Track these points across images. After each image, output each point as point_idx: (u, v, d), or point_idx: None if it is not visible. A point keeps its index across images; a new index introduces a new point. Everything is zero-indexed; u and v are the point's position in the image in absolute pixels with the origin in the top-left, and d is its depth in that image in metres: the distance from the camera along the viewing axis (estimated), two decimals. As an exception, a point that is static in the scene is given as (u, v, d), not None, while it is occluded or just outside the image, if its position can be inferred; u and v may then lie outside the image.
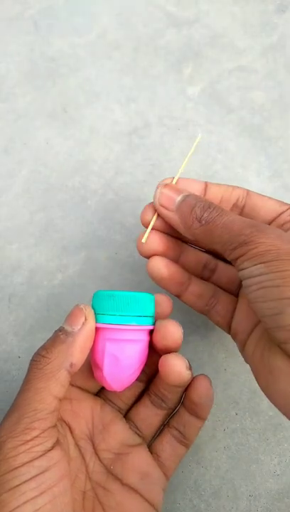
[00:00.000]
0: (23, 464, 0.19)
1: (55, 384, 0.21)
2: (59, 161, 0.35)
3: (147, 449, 0.25)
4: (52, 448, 0.20)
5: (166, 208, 0.24)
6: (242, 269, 0.20)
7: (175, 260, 0.27)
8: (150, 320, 0.23)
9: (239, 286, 0.27)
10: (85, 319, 0.22)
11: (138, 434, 0.25)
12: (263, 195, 0.26)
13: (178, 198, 0.24)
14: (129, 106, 0.37)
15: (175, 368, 0.23)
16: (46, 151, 0.35)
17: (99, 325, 0.22)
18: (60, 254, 0.33)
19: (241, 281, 0.22)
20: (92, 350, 0.23)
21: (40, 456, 0.19)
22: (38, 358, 0.21)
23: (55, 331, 0.22)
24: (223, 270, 0.27)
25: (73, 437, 0.24)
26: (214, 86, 0.37)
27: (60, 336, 0.22)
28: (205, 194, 0.25)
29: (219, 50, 0.38)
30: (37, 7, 0.39)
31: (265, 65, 0.38)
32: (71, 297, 0.32)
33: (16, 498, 0.18)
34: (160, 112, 0.36)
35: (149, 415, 0.25)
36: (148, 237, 0.25)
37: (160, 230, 0.26)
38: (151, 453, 0.25)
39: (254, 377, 0.30)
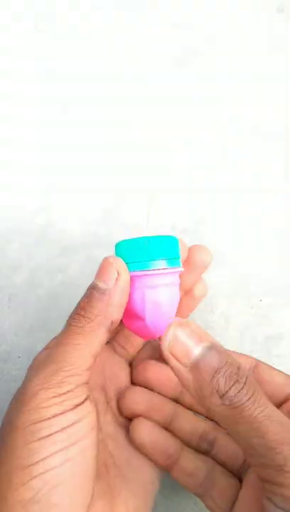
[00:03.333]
0: (55, 416, 0.19)
1: (95, 342, 0.20)
2: (59, 161, 0.35)
3: None
4: (83, 402, 0.20)
5: (178, 360, 0.19)
6: (270, 499, 0.16)
7: (166, 424, 0.23)
8: (179, 261, 0.23)
9: (243, 467, 0.22)
10: (118, 273, 0.21)
11: None
12: (272, 368, 0.22)
13: (197, 352, 0.18)
14: (128, 106, 0.37)
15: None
16: (46, 151, 0.35)
17: (135, 273, 0.21)
18: (60, 254, 0.33)
19: (245, 461, 0.19)
20: (128, 301, 0.22)
21: (72, 409, 0.19)
22: (78, 317, 0.21)
23: (89, 288, 0.21)
24: (224, 446, 0.23)
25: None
26: (214, 86, 0.37)
27: (94, 294, 0.21)
28: None
29: (219, 50, 0.38)
30: (37, 7, 0.39)
31: (265, 65, 0.38)
32: (71, 297, 0.32)
33: (47, 448, 0.18)
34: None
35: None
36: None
37: (148, 386, 0.23)
38: None
39: (254, 378, 0.30)
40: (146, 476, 0.23)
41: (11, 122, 0.36)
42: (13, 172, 0.35)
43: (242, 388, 0.17)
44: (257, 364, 0.23)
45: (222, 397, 0.17)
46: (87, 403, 0.20)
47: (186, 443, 0.23)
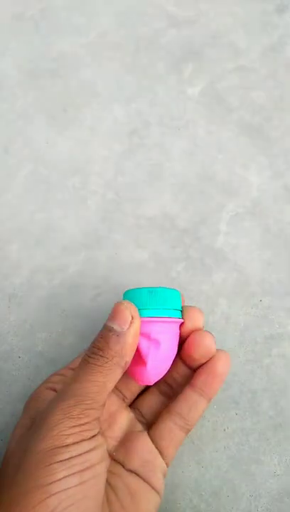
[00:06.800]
0: (74, 443, 0.20)
1: (112, 380, 0.22)
2: (59, 161, 0.35)
3: (148, 437, 0.25)
4: (96, 435, 0.22)
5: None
6: None
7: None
8: (181, 313, 0.25)
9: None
10: (132, 318, 0.23)
11: (141, 422, 0.26)
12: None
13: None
14: (129, 106, 0.37)
15: (206, 341, 0.25)
16: (46, 151, 0.35)
17: (143, 319, 0.23)
18: (60, 254, 0.33)
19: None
20: None
21: (88, 439, 0.21)
22: (96, 356, 0.22)
23: (105, 330, 0.23)
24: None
25: None
26: (214, 86, 0.37)
27: (112, 337, 0.22)
28: None
29: (219, 50, 0.38)
30: (37, 7, 0.39)
31: (265, 65, 0.38)
32: (71, 297, 0.32)
33: (65, 469, 0.19)
34: (160, 111, 0.36)
35: (156, 402, 0.27)
36: None
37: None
38: (152, 441, 0.25)
39: (254, 378, 0.30)
40: (142, 505, 0.23)
41: (10, 123, 0.36)
42: (14, 172, 0.35)
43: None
44: None
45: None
46: (99, 436, 0.22)
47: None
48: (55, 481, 0.19)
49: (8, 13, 0.39)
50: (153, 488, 0.24)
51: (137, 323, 0.23)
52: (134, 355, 0.24)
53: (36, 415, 0.23)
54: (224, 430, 0.29)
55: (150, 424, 0.26)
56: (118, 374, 0.22)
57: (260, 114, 0.36)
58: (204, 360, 0.25)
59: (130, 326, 0.23)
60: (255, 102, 0.37)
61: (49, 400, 0.23)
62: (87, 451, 0.21)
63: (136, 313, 0.23)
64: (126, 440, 0.25)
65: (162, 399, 0.27)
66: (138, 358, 0.24)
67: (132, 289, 0.25)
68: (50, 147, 0.35)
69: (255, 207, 0.34)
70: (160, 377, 0.25)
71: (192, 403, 0.25)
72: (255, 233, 0.33)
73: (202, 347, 0.25)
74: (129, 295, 0.25)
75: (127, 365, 0.23)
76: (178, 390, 0.26)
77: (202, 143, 0.36)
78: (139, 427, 0.26)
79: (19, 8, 0.39)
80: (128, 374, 0.25)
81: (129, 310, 0.23)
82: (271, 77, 0.37)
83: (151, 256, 0.32)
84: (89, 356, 0.23)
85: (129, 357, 0.23)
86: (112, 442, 0.25)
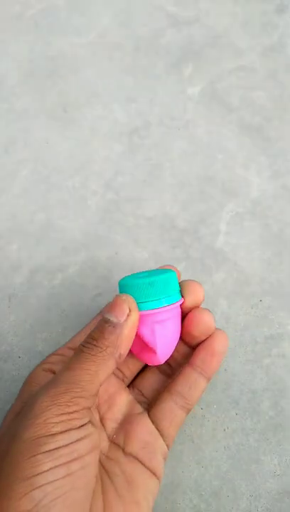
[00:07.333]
0: (61, 432, 0.20)
1: (104, 370, 0.22)
2: (59, 161, 0.35)
3: (149, 418, 0.25)
4: (86, 424, 0.21)
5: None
6: None
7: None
8: (179, 294, 0.25)
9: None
10: (130, 311, 0.23)
11: (141, 403, 0.26)
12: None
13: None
14: (129, 106, 0.37)
15: (205, 318, 0.25)
16: (46, 151, 0.35)
17: (143, 312, 0.24)
18: (60, 254, 0.33)
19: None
20: (139, 336, 0.24)
21: (77, 428, 0.20)
22: (90, 346, 0.22)
23: (101, 321, 0.23)
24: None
25: None
26: (214, 86, 0.37)
27: (108, 328, 0.23)
28: None
29: (219, 50, 0.38)
30: (37, 7, 0.40)
31: (265, 65, 0.38)
32: (71, 297, 0.32)
33: (51, 461, 0.19)
34: (160, 111, 0.37)
35: (156, 381, 0.27)
36: None
37: None
38: (152, 422, 0.25)
39: (254, 378, 0.30)
40: (139, 492, 0.23)
41: (11, 125, 0.36)
42: (14, 172, 0.35)
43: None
44: None
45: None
46: (89, 425, 0.21)
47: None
48: (40, 473, 0.18)
49: (8, 13, 0.39)
50: (152, 472, 0.24)
51: (135, 315, 0.23)
52: (142, 344, 0.24)
53: (28, 399, 0.22)
54: (224, 430, 0.29)
55: (150, 404, 0.26)
56: (111, 364, 0.22)
57: (260, 114, 0.36)
58: (203, 338, 0.26)
59: (127, 318, 0.23)
60: (255, 102, 0.37)
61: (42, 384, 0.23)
62: (75, 441, 0.20)
63: (134, 306, 0.23)
64: (125, 422, 0.25)
65: (162, 377, 0.27)
66: (147, 346, 0.24)
67: (128, 281, 0.25)
68: (50, 147, 0.35)
69: (255, 207, 0.34)
70: (170, 355, 0.26)
71: (192, 381, 0.25)
72: (255, 233, 0.33)
73: (202, 324, 0.25)
74: (126, 288, 0.25)
75: (122, 358, 0.23)
76: (178, 368, 0.26)
77: (202, 143, 0.36)
78: (139, 408, 0.26)
79: (19, 8, 0.40)
80: (140, 360, 0.26)
81: (127, 303, 0.23)
82: (271, 77, 0.37)
83: (151, 256, 0.32)
84: (83, 346, 0.22)
85: (123, 349, 0.22)
86: (112, 424, 0.25)
